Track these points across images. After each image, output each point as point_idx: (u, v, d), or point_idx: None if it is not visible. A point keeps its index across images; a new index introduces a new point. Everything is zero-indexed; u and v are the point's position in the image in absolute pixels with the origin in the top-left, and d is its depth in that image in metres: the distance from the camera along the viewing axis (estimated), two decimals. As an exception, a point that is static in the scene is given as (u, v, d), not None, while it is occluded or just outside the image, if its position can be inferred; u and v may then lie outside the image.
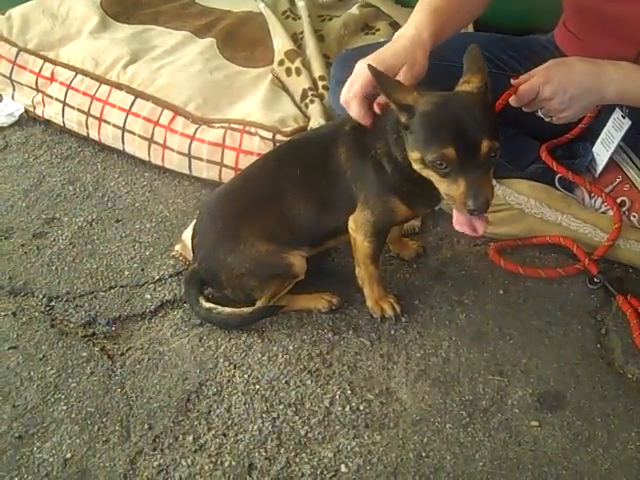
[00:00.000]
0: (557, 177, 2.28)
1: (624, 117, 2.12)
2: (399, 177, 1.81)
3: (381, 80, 1.67)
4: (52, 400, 1.81)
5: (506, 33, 2.53)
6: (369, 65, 1.68)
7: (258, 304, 2.00)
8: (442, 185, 1.65)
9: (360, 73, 1.80)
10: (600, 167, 2.25)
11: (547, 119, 2.01)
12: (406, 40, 1.85)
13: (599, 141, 2.24)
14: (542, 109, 1.98)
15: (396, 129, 1.75)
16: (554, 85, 1.90)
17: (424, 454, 1.69)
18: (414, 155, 1.66)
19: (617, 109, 2.14)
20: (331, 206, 1.94)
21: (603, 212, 2.23)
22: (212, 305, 1.99)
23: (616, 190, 2.22)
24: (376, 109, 1.81)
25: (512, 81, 1.94)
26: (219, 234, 1.98)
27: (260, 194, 1.98)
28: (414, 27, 1.87)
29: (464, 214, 1.67)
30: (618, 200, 2.19)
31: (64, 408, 1.79)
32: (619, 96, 1.97)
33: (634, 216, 2.17)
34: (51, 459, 1.68)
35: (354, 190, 1.89)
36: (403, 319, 2.03)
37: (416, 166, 1.68)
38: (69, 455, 1.69)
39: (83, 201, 2.50)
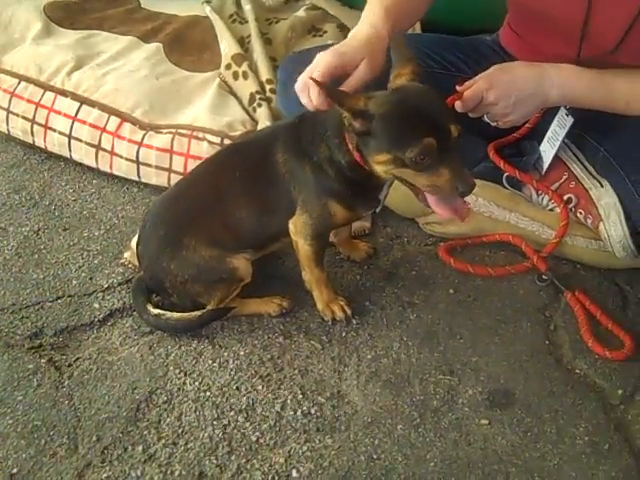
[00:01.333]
0: (505, 175, 2.30)
1: (567, 115, 2.15)
2: (341, 180, 1.81)
3: (332, 92, 1.65)
4: (-3, 414, 1.78)
5: (452, 34, 2.55)
6: (313, 79, 1.67)
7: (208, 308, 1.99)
8: (421, 179, 1.63)
9: (320, 61, 1.79)
10: (546, 165, 2.27)
11: (493, 123, 2.02)
12: (363, 36, 1.85)
13: (545, 139, 2.26)
14: (487, 114, 1.99)
15: (338, 134, 1.75)
16: (498, 90, 1.91)
17: (375, 456, 1.69)
18: (381, 157, 1.64)
19: (562, 107, 2.17)
20: (272, 209, 1.93)
21: (550, 209, 2.25)
22: (160, 311, 1.97)
23: (562, 187, 2.24)
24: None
25: (457, 87, 1.95)
26: (162, 241, 1.96)
27: (202, 199, 1.97)
28: (369, 24, 1.88)
29: (447, 200, 1.68)
30: (565, 197, 2.22)
31: (10, 422, 1.76)
32: (562, 99, 2.00)
33: (580, 213, 2.19)
34: (-3, 475, 1.65)
35: (293, 193, 1.88)
36: (354, 321, 2.02)
37: (382, 168, 1.67)
38: (15, 470, 1.65)
39: (29, 210, 2.46)
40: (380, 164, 1.67)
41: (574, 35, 2.05)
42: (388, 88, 1.73)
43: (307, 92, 1.79)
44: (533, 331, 2.01)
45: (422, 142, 1.56)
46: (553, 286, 2.12)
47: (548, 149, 2.26)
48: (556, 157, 2.25)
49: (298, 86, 1.82)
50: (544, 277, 2.13)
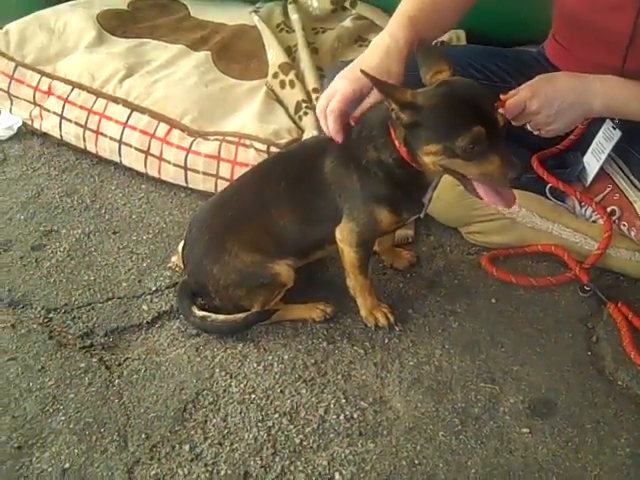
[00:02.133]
0: (548, 187, 2.32)
1: (615, 128, 2.16)
2: (388, 182, 1.84)
3: (379, 84, 1.69)
4: (51, 411, 1.83)
5: (497, 45, 2.57)
6: (362, 70, 1.71)
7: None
8: (471, 168, 1.67)
9: (339, 88, 1.85)
10: (590, 177, 2.28)
11: (535, 132, 2.05)
12: (381, 51, 1.89)
13: (590, 151, 2.27)
14: (530, 123, 2.01)
15: (384, 132, 1.79)
16: (541, 99, 1.94)
17: (417, 462, 1.72)
18: (431, 148, 1.68)
19: (608, 120, 2.18)
20: (316, 218, 1.97)
21: (594, 221, 2.26)
22: (206, 313, 2.02)
23: (606, 199, 2.25)
24: (352, 123, 1.87)
25: (501, 96, 1.98)
26: (206, 246, 2.01)
27: (246, 206, 2.01)
28: (389, 35, 1.92)
29: (493, 189, 1.72)
30: (608, 209, 2.22)
31: (62, 419, 1.81)
32: (605, 109, 2.02)
33: (624, 225, 2.20)
34: (50, 469, 1.70)
35: (339, 202, 1.91)
36: (397, 328, 2.05)
37: (432, 159, 1.70)
38: (67, 465, 1.71)
39: (81, 213, 2.53)
40: (430, 155, 1.70)
41: (620, 46, 2.07)
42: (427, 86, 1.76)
43: (325, 119, 1.86)
44: (575, 342, 2.02)
45: (472, 131, 1.60)
46: (595, 297, 2.12)
47: (592, 161, 2.26)
48: (600, 169, 2.25)
49: (318, 110, 1.90)
50: (586, 288, 2.14)
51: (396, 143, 1.77)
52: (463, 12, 2.14)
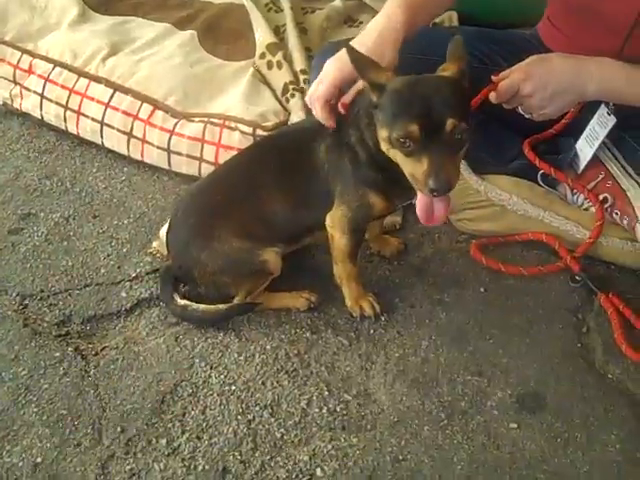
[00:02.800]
0: (539, 173, 2.26)
1: (609, 114, 2.10)
2: (372, 164, 1.79)
3: (356, 61, 1.67)
4: (23, 402, 1.77)
5: (490, 27, 2.51)
6: (347, 46, 1.69)
7: (235, 301, 1.97)
8: (407, 165, 1.62)
9: (328, 73, 1.82)
10: (583, 163, 2.22)
11: (527, 116, 1.98)
12: (376, 33, 1.84)
13: (583, 137, 2.21)
14: (522, 106, 1.95)
15: (368, 113, 1.74)
16: (534, 82, 1.88)
17: (401, 457, 1.67)
18: (382, 133, 1.65)
19: (602, 105, 2.11)
20: (308, 202, 1.92)
21: (586, 209, 2.21)
22: (187, 302, 1.96)
23: (598, 187, 2.19)
24: (340, 109, 1.83)
25: (492, 77, 1.92)
26: (192, 230, 1.95)
27: (235, 190, 1.96)
28: (386, 17, 1.87)
29: (426, 198, 1.65)
30: (600, 197, 2.17)
31: (35, 410, 1.76)
32: (600, 93, 1.95)
33: (616, 213, 2.14)
34: (20, 463, 1.64)
35: (331, 185, 1.87)
36: (382, 318, 2.00)
37: (384, 146, 1.67)
38: (39, 459, 1.65)
39: (60, 196, 2.46)
40: (382, 141, 1.67)
41: (621, 32, 2.02)
42: None
43: (313, 107, 1.84)
44: (565, 333, 1.97)
45: (407, 126, 1.56)
46: (586, 287, 2.07)
47: (585, 147, 2.21)
48: (594, 156, 2.20)
49: (307, 99, 1.87)
50: (577, 278, 2.09)
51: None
52: None
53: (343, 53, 1.78)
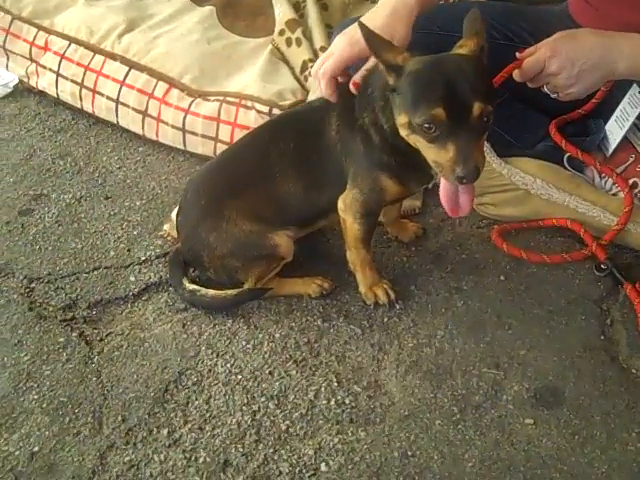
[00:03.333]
0: (566, 156, 2.17)
1: (640, 93, 2.00)
2: (387, 148, 1.72)
3: (370, 40, 1.58)
4: (24, 389, 1.74)
5: (518, 1, 2.41)
6: (360, 24, 1.61)
7: (245, 286, 1.91)
8: (430, 152, 1.55)
9: (336, 49, 1.76)
10: (613, 146, 2.13)
11: (553, 95, 1.89)
12: (388, 10, 1.77)
13: (613, 118, 2.12)
14: (548, 85, 1.85)
15: (383, 95, 1.67)
16: (561, 59, 1.78)
17: (410, 453, 1.60)
18: (402, 119, 1.57)
19: (635, 85, 2.03)
20: (321, 183, 1.86)
21: (614, 194, 2.11)
22: (196, 287, 1.92)
23: (628, 171, 2.10)
24: (352, 89, 1.76)
25: (517, 54, 1.83)
26: (202, 212, 1.90)
27: (247, 170, 1.90)
28: None
29: (451, 185, 1.58)
30: (630, 181, 2.08)
31: (35, 397, 1.72)
32: (630, 71, 1.85)
33: (646, 199, 2.05)
34: (17, 452, 1.60)
35: (344, 166, 1.81)
36: (397, 306, 1.93)
37: (403, 132, 1.59)
38: (37, 448, 1.61)
39: (73, 177, 2.42)
40: (401, 127, 1.59)
41: None
42: None
43: (318, 81, 1.79)
44: (588, 325, 1.88)
45: (431, 109, 1.48)
46: (612, 277, 1.97)
47: (615, 129, 2.11)
48: (624, 138, 2.10)
49: (313, 73, 1.82)
50: (603, 267, 1.99)
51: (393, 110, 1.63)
52: None
53: (354, 29, 1.71)
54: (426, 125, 1.50)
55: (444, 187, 1.60)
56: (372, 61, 1.72)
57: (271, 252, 1.87)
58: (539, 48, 1.82)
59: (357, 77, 1.76)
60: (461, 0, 2.70)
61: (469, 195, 1.60)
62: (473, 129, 1.50)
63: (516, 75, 1.83)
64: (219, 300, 1.91)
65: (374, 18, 1.75)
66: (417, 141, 1.57)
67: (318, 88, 1.81)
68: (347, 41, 1.75)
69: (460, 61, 1.57)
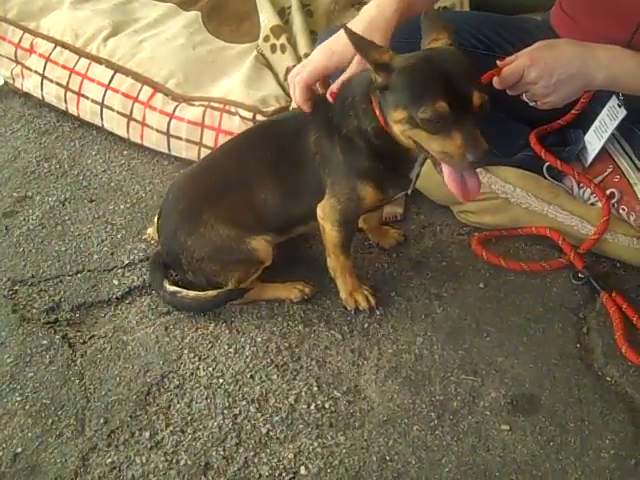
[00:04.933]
0: (545, 165, 2.20)
1: (620, 106, 2.03)
2: (370, 152, 1.74)
3: (356, 41, 1.60)
4: (7, 390, 1.75)
5: (499, 10, 2.45)
6: (345, 27, 1.63)
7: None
8: (433, 143, 1.56)
9: (315, 59, 1.80)
10: (591, 157, 2.16)
11: (531, 103, 1.92)
12: (366, 21, 1.79)
13: (592, 129, 2.15)
14: (527, 93, 1.88)
15: (365, 98, 1.69)
16: (540, 68, 1.81)
17: (388, 457, 1.63)
18: (398, 115, 1.58)
19: (613, 97, 2.05)
20: (299, 192, 1.88)
21: (592, 204, 2.15)
22: (177, 288, 1.93)
23: (606, 181, 2.13)
24: (329, 98, 1.78)
25: (498, 62, 1.86)
26: (181, 215, 1.92)
27: (226, 177, 1.91)
28: (377, 5, 1.81)
29: (457, 172, 1.60)
30: (607, 192, 2.11)
31: (18, 399, 1.73)
32: (608, 82, 1.88)
33: (623, 209, 2.08)
34: (0, 453, 1.61)
35: (322, 175, 1.82)
36: (378, 312, 1.95)
37: (399, 127, 1.60)
38: (19, 450, 1.62)
39: (57, 179, 2.43)
40: (397, 123, 1.60)
41: (632, 21, 1.96)
42: None
43: (293, 89, 1.81)
44: (564, 333, 1.91)
45: (435, 104, 1.50)
46: (589, 285, 2.01)
47: (594, 140, 2.14)
48: (602, 149, 2.13)
49: (289, 78, 1.84)
50: (580, 275, 2.02)
51: (376, 111, 1.66)
52: None
53: (332, 40, 1.77)
54: (431, 117, 1.51)
55: (450, 176, 1.61)
56: (349, 72, 1.75)
57: (249, 256, 1.89)
58: (519, 57, 1.84)
59: (334, 87, 1.78)
60: (447, 9, 2.73)
61: (475, 177, 1.62)
62: (475, 117, 1.53)
63: (495, 82, 1.85)
64: (200, 301, 1.93)
65: (353, 28, 1.78)
66: (416, 135, 1.58)
67: (292, 93, 1.83)
68: (325, 52, 1.79)
69: (450, 53, 1.61)
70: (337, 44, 1.77)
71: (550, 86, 1.83)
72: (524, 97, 1.91)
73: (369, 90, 1.68)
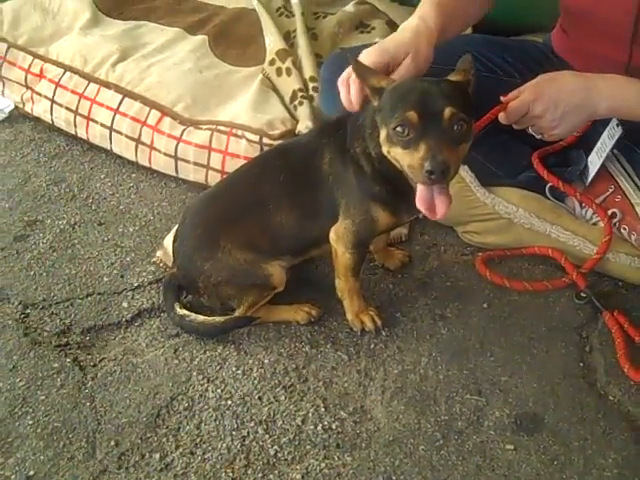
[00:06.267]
0: (548, 186, 2.23)
1: (617, 125, 2.07)
2: (377, 177, 1.77)
3: (356, 67, 1.69)
4: (19, 414, 1.78)
5: (502, 31, 2.49)
6: (351, 58, 1.70)
7: (236, 313, 1.96)
8: (405, 158, 1.58)
9: (364, 60, 1.80)
10: (591, 176, 2.19)
11: (538, 136, 1.96)
12: (410, 31, 1.84)
13: (594, 151, 2.18)
14: (533, 126, 1.93)
15: (371, 122, 1.73)
16: (544, 102, 1.85)
17: (394, 478, 1.65)
18: (382, 134, 1.64)
19: (613, 118, 2.08)
20: (314, 215, 1.90)
21: (594, 223, 2.17)
22: (186, 312, 1.96)
23: (607, 201, 2.16)
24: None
25: (501, 98, 1.89)
26: (198, 240, 1.95)
27: (242, 201, 1.95)
28: (419, 17, 1.88)
29: (427, 189, 1.61)
30: (609, 212, 2.13)
31: (30, 422, 1.76)
32: (611, 111, 1.92)
33: (624, 228, 2.11)
34: (13, 476, 1.64)
35: (336, 197, 1.85)
36: (383, 333, 1.98)
37: (385, 148, 1.64)
38: (32, 472, 1.65)
39: (67, 203, 2.47)
40: (383, 144, 1.64)
41: (624, 38, 2.00)
42: None
43: (348, 88, 1.79)
44: (567, 352, 1.93)
45: (403, 113, 1.55)
46: (592, 305, 2.03)
47: (596, 160, 2.17)
48: (603, 169, 2.17)
49: (340, 80, 1.82)
50: (583, 295, 2.05)
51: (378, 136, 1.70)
52: (487, 6, 2.14)
53: (384, 42, 1.85)
54: (399, 128, 1.55)
55: (420, 193, 1.62)
56: (401, 72, 1.81)
57: (264, 281, 1.92)
58: (522, 92, 1.89)
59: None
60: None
61: (445, 197, 1.60)
62: (444, 132, 1.55)
63: (502, 118, 1.90)
64: (207, 326, 1.96)
65: (399, 38, 1.84)
66: (396, 153, 1.61)
67: (344, 97, 1.81)
68: (375, 51, 1.82)
69: (439, 80, 1.65)
70: (390, 43, 1.83)
71: (556, 119, 1.87)
72: (530, 130, 1.96)
73: (373, 113, 1.72)
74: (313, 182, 1.87)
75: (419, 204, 1.63)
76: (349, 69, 1.81)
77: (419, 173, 1.55)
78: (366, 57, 1.81)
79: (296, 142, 2.10)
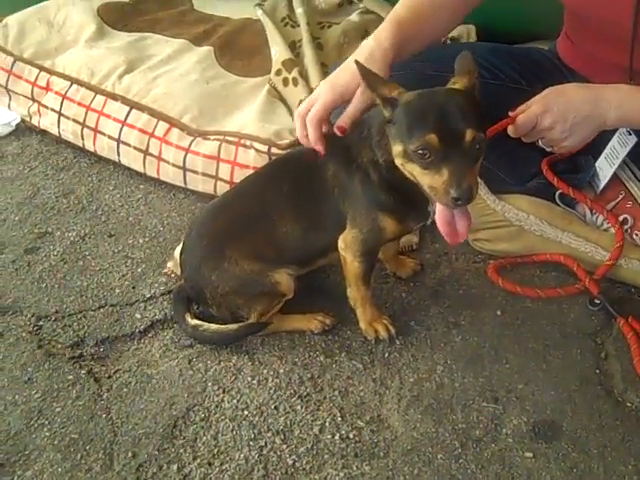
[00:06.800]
0: (558, 193, 2.23)
1: (630, 133, 2.07)
2: (384, 185, 1.77)
3: (366, 76, 1.68)
4: (36, 426, 1.77)
5: (507, 39, 2.50)
6: (356, 61, 1.70)
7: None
8: (425, 178, 1.59)
9: (321, 95, 1.83)
10: (603, 183, 2.19)
11: (548, 149, 1.97)
12: (365, 54, 1.84)
13: (603, 156, 2.18)
14: (543, 139, 1.93)
15: (380, 130, 1.73)
16: (553, 114, 1.86)
17: (414, 487, 1.65)
18: (397, 148, 1.63)
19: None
20: (320, 225, 1.91)
21: (605, 229, 2.17)
22: (198, 322, 1.96)
23: (618, 207, 2.16)
24: (337, 132, 1.81)
25: (510, 112, 1.90)
26: (204, 251, 1.95)
27: (247, 211, 1.95)
28: (374, 39, 1.88)
29: (448, 210, 1.63)
30: (620, 218, 2.13)
31: (47, 434, 1.75)
32: (620, 121, 1.93)
33: (636, 234, 2.11)
34: (31, 489, 1.64)
35: (343, 207, 1.85)
36: (397, 341, 1.97)
37: (399, 161, 1.65)
38: (50, 485, 1.65)
39: (76, 215, 2.46)
40: (397, 157, 1.65)
41: (625, 41, 2.00)
42: None
43: (303, 123, 1.83)
44: (583, 358, 1.93)
45: (424, 136, 1.54)
46: (605, 311, 2.03)
47: (605, 167, 2.18)
48: (613, 175, 2.16)
49: (297, 113, 1.87)
50: (596, 301, 2.05)
51: (388, 144, 1.70)
52: (456, 21, 2.15)
53: (335, 74, 1.84)
54: (420, 151, 1.55)
55: (440, 213, 1.65)
56: (353, 104, 1.80)
57: (272, 289, 1.92)
58: (530, 105, 1.90)
59: (341, 121, 1.80)
60: (453, 41, 2.78)
61: (465, 220, 1.64)
62: (466, 154, 1.56)
63: (510, 131, 1.91)
64: (221, 334, 1.95)
65: (350, 67, 1.81)
66: (412, 169, 1.62)
67: (299, 132, 1.86)
68: (330, 86, 1.83)
69: (451, 93, 1.64)
70: (341, 78, 1.83)
71: (566, 130, 1.88)
72: (540, 143, 1.97)
73: (383, 123, 1.71)
74: (317, 194, 1.88)
75: (440, 227, 1.65)
76: (305, 102, 1.86)
77: (443, 197, 1.57)
78: (324, 96, 1.83)
79: (300, 152, 2.10)
